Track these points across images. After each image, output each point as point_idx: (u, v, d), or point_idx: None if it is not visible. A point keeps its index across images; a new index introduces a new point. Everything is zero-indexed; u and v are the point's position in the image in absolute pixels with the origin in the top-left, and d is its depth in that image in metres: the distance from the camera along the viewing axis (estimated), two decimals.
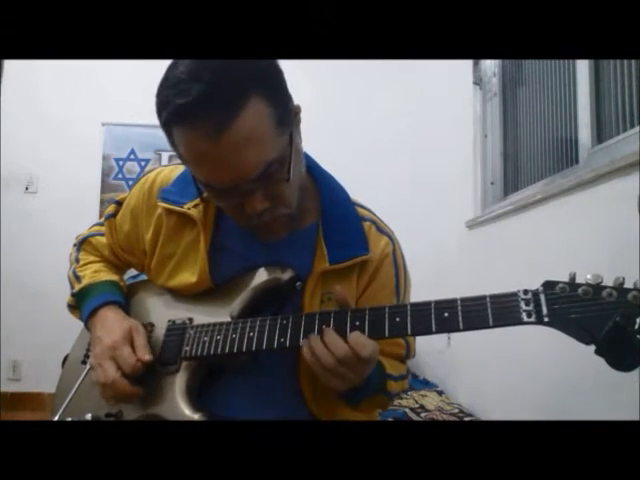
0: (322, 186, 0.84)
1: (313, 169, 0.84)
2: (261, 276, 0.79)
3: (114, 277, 0.90)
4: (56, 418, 0.84)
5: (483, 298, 0.60)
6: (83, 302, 0.86)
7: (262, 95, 0.64)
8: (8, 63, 3.05)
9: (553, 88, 1.88)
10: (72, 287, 0.90)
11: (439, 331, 0.62)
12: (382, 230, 0.85)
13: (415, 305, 0.64)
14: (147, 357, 0.76)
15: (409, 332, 0.63)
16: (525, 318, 0.58)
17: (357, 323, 0.65)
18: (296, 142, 0.71)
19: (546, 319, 0.57)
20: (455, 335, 2.38)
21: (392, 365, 0.81)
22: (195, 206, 0.81)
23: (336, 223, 0.81)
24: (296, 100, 0.72)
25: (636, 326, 0.53)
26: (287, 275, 0.77)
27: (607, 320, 0.53)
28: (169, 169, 0.89)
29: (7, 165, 3.02)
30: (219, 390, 0.79)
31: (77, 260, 0.93)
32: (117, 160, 3.15)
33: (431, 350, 2.57)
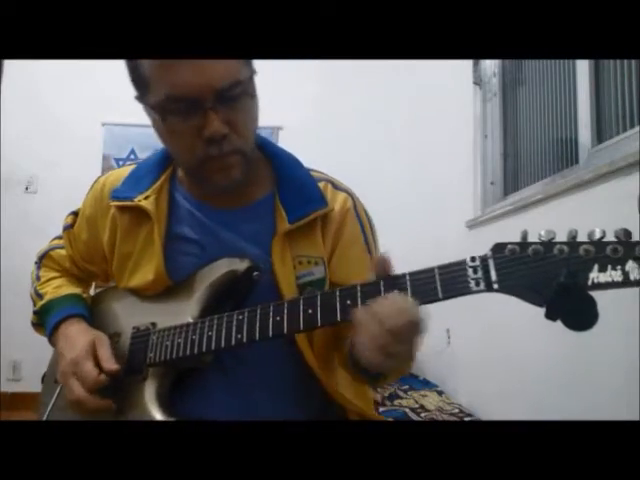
0: (273, 155, 0.85)
1: (263, 143, 0.85)
2: (218, 270, 0.77)
3: (76, 290, 0.88)
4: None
5: (431, 270, 0.57)
6: (46, 318, 0.84)
7: None
8: (8, 63, 3.05)
9: (553, 88, 1.88)
10: (34, 305, 0.88)
11: None
12: (339, 187, 0.86)
13: (365, 285, 0.62)
14: (112, 367, 0.73)
15: None
16: (474, 287, 0.55)
17: (310, 311, 0.63)
18: (255, 90, 0.73)
19: (495, 286, 0.54)
20: (455, 335, 2.38)
21: None
22: (146, 198, 0.80)
23: (291, 186, 0.81)
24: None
25: (589, 281, 0.50)
26: (244, 265, 0.75)
27: (555, 280, 0.50)
28: (118, 170, 0.89)
29: (7, 165, 3.03)
30: (193, 392, 0.78)
31: (38, 278, 0.91)
32: (117, 160, 3.15)
33: (431, 350, 2.57)
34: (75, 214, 0.93)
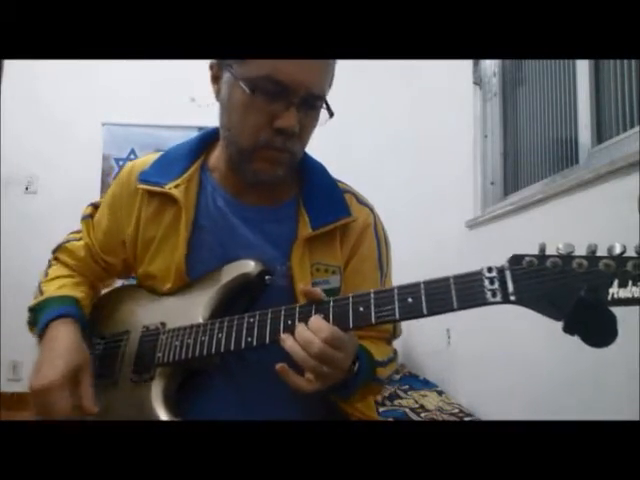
0: (301, 161, 0.85)
1: None
2: (231, 272, 0.77)
3: (78, 294, 0.84)
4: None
5: (447, 279, 0.57)
6: (38, 316, 0.80)
7: None
8: (8, 63, 3.05)
9: (553, 88, 1.88)
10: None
11: (403, 318, 0.60)
12: (363, 202, 0.88)
13: (379, 292, 0.62)
14: (92, 410, 0.71)
15: (373, 321, 0.61)
16: (490, 298, 0.54)
17: (322, 316, 0.64)
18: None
19: (512, 297, 0.53)
20: (455, 335, 2.38)
21: (379, 349, 0.79)
22: (176, 186, 0.80)
23: (317, 192, 0.83)
24: None
25: (608, 297, 0.49)
26: (257, 269, 0.76)
27: (575, 294, 0.50)
28: (144, 157, 0.89)
29: (7, 165, 3.03)
30: (199, 394, 0.77)
31: (45, 274, 0.89)
32: (117, 160, 3.15)
33: (431, 350, 2.57)
34: (94, 206, 0.93)
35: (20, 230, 3.02)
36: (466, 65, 2.46)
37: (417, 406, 2.14)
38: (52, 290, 0.84)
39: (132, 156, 3.14)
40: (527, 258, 0.54)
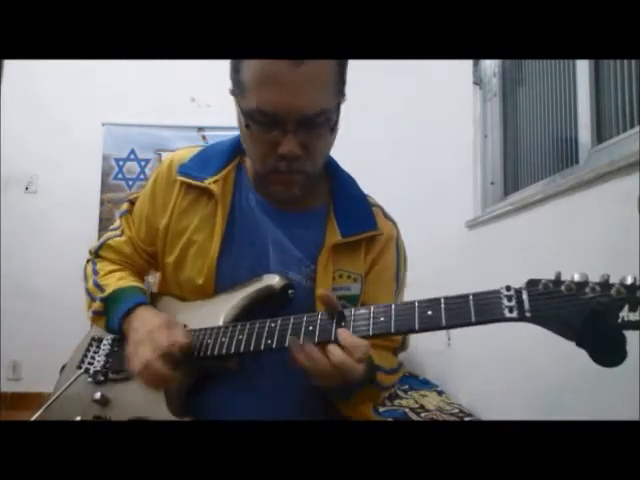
0: (333, 171, 0.90)
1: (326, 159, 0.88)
2: (255, 284, 0.80)
3: (139, 283, 0.88)
4: (35, 417, 0.82)
5: (466, 296, 0.61)
6: (114, 306, 0.83)
7: None
8: (8, 63, 3.05)
9: (553, 88, 1.88)
10: (94, 298, 0.87)
11: (422, 330, 0.62)
12: (388, 216, 0.93)
13: (399, 305, 0.65)
14: (184, 339, 0.74)
15: (392, 331, 0.64)
16: (507, 314, 0.58)
17: (342, 324, 0.67)
18: (339, 117, 0.77)
19: (528, 314, 0.57)
20: (455, 335, 2.38)
21: (383, 357, 0.81)
22: (215, 182, 0.84)
23: (346, 203, 0.87)
24: None
25: (619, 320, 0.52)
26: (281, 283, 0.79)
27: (587, 315, 0.53)
28: (184, 149, 0.92)
29: (7, 165, 3.03)
30: (211, 393, 0.79)
31: (96, 272, 0.90)
32: (117, 160, 3.15)
33: (431, 350, 2.57)
34: (130, 202, 0.95)
35: (20, 230, 3.02)
36: (466, 65, 2.46)
37: (417, 406, 2.14)
38: (114, 282, 0.86)
39: (132, 156, 3.15)
40: (543, 281, 0.58)
